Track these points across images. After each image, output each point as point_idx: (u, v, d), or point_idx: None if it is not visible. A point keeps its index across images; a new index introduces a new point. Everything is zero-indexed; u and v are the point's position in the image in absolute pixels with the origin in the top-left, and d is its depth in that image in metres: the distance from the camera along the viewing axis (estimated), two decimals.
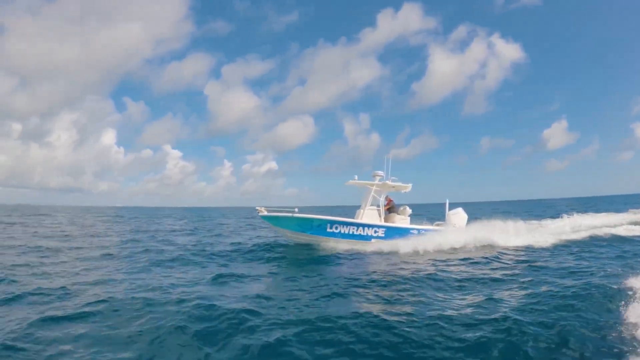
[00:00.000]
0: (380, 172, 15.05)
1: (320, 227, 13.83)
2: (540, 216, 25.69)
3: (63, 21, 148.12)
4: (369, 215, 14.49)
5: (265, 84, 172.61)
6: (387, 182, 14.89)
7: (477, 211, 29.24)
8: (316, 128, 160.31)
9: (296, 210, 13.97)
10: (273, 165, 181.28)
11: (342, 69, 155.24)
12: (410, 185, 15.38)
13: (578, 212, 23.62)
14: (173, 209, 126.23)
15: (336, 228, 13.88)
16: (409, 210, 15.32)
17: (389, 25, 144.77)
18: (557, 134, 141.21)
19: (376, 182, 14.89)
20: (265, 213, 14.19)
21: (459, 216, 15.85)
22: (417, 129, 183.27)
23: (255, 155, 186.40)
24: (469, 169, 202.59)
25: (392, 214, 15.11)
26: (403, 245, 12.83)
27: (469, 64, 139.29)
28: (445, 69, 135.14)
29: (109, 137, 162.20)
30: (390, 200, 15.50)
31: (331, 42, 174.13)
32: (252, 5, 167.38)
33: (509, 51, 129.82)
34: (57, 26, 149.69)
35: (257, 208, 14.41)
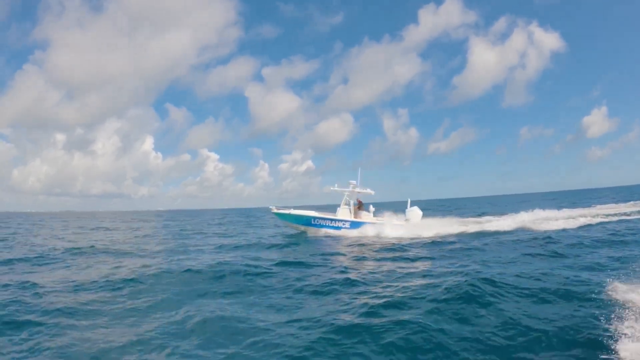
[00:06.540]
0: (353, 181, 21.93)
1: (307, 221, 20.85)
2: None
3: (111, 32, 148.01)
4: (343, 212, 21.41)
5: (308, 85, 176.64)
6: (355, 189, 21.68)
7: (516, 205, 32.94)
8: (355, 125, 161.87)
9: (292, 209, 21.19)
10: (311, 164, 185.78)
11: (384, 66, 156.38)
12: (373, 192, 22.43)
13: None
14: (216, 211, 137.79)
15: (318, 222, 20.85)
16: (372, 209, 22.07)
17: (431, 21, 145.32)
18: (597, 120, 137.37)
19: (348, 189, 21.69)
20: (275, 210, 21.49)
21: (414, 213, 22.19)
22: (456, 122, 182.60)
23: (293, 154, 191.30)
24: (509, 161, 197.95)
25: (360, 211, 21.81)
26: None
27: (509, 55, 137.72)
28: (485, 61, 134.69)
29: (148, 143, 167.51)
30: (360, 202, 22.20)
31: (375, 40, 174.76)
32: (297, 8, 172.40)
33: (549, 40, 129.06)
34: (105, 38, 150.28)
35: (270, 207, 21.82)
